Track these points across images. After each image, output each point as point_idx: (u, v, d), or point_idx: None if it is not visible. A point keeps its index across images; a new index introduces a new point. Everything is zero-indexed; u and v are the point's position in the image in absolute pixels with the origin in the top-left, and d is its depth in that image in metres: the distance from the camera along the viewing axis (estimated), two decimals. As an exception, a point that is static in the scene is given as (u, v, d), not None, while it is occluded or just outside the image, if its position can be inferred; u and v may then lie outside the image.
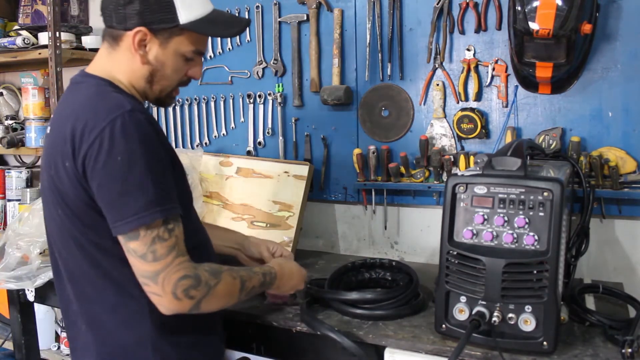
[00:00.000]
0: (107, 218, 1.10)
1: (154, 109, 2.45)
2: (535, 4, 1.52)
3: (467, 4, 1.82)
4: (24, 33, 2.52)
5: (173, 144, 2.42)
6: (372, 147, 1.96)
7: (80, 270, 1.19)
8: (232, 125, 2.29)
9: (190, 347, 1.24)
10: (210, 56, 2.31)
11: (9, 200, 2.76)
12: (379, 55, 1.98)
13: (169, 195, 1.10)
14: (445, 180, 1.88)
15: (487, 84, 1.83)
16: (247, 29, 2.17)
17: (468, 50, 1.85)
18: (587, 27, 1.52)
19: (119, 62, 1.21)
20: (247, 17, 2.20)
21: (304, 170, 2.06)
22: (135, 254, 1.08)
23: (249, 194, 2.13)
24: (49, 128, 1.25)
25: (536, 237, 1.17)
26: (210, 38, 2.27)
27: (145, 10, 1.16)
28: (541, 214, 1.17)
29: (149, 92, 1.26)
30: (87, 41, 2.54)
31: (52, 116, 1.27)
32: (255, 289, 1.27)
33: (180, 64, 1.24)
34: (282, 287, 1.38)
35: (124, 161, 1.06)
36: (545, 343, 1.16)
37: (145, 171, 1.07)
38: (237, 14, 2.22)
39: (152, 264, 1.07)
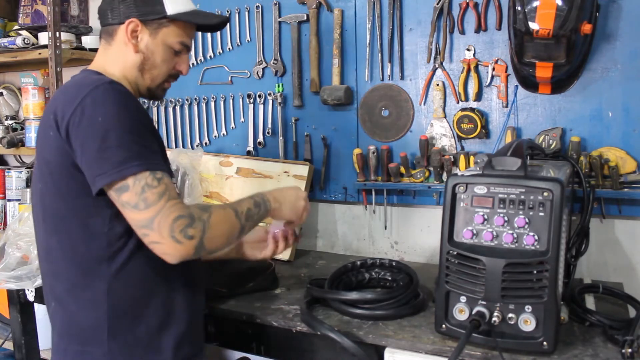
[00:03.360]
0: (87, 176, 1.13)
1: (154, 110, 2.45)
2: (535, 4, 1.52)
3: (467, 4, 1.82)
4: (24, 33, 2.53)
5: (173, 144, 2.42)
6: (372, 147, 1.96)
7: (50, 246, 1.23)
8: (232, 125, 2.29)
9: (151, 334, 1.22)
10: (210, 56, 2.31)
11: (9, 200, 2.76)
12: (379, 55, 1.98)
13: (152, 154, 1.14)
14: (445, 180, 1.88)
15: (487, 84, 1.83)
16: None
17: (468, 50, 1.85)
18: (587, 27, 1.52)
19: (113, 55, 1.32)
20: (246, 17, 2.21)
21: (304, 170, 2.06)
22: (129, 205, 1.10)
23: (249, 194, 2.13)
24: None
25: (536, 237, 1.17)
26: (211, 39, 2.29)
27: (136, 4, 1.30)
28: (541, 214, 1.17)
29: (141, 82, 1.34)
30: (87, 41, 2.54)
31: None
32: (252, 213, 1.27)
33: (169, 55, 1.35)
34: (282, 210, 1.38)
35: (104, 121, 1.11)
36: (545, 343, 1.16)
37: (126, 131, 1.11)
38: (237, 14, 2.23)
39: (145, 212, 1.09)
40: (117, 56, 1.32)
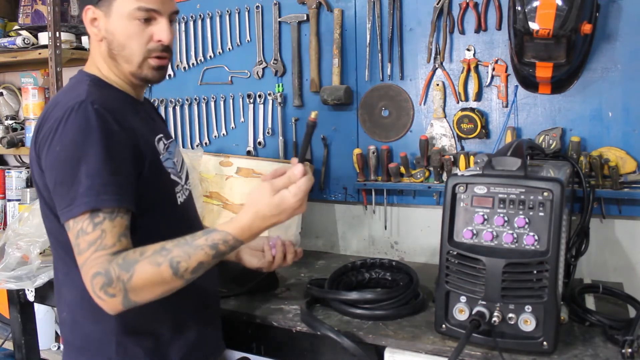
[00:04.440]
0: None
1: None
2: (535, 4, 1.52)
3: (467, 4, 1.82)
4: (24, 33, 2.53)
5: (173, 144, 2.42)
6: (372, 147, 1.96)
7: (59, 257, 1.21)
8: (232, 125, 2.29)
9: (159, 345, 1.21)
10: (210, 56, 2.31)
11: (9, 200, 2.76)
12: (379, 55, 1.98)
13: (102, 187, 1.05)
14: (445, 180, 1.88)
15: (487, 84, 1.83)
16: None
17: (468, 50, 1.85)
18: (587, 27, 1.52)
19: (92, 51, 1.26)
20: (246, 17, 2.21)
21: (304, 170, 2.06)
22: (72, 244, 1.08)
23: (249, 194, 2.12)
24: None
25: (536, 237, 1.17)
26: (211, 39, 2.29)
27: None
28: (541, 214, 1.17)
29: (121, 69, 1.23)
30: (87, 41, 2.53)
31: None
32: (205, 264, 1.08)
33: (134, 28, 1.19)
34: (261, 228, 1.11)
35: (61, 151, 1.07)
36: (545, 343, 1.16)
37: (80, 162, 1.06)
38: (237, 14, 2.23)
39: (78, 257, 1.06)
40: (94, 51, 1.25)
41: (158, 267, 1.04)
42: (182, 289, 1.11)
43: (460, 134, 1.85)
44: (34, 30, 2.55)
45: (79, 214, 1.05)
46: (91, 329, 1.19)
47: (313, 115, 1.19)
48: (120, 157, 1.10)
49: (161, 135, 1.27)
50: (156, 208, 1.19)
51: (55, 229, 1.17)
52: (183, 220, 1.30)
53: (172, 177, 1.27)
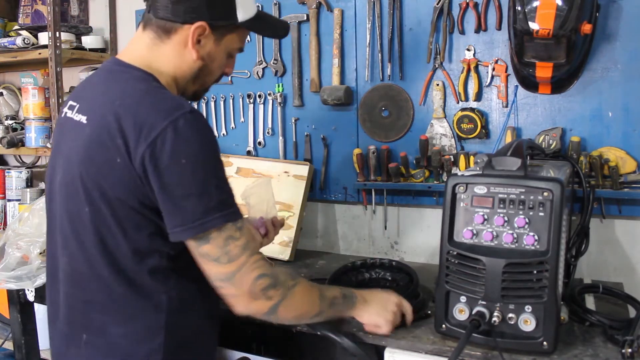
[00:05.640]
0: (166, 222, 1.06)
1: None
2: (535, 4, 1.52)
3: (467, 4, 1.82)
4: (24, 33, 2.52)
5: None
6: (372, 147, 1.96)
7: (96, 275, 1.11)
8: (232, 125, 2.29)
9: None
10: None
11: (9, 200, 2.76)
12: (379, 55, 1.98)
13: (231, 199, 1.09)
14: (445, 180, 1.87)
15: (487, 84, 1.83)
16: None
17: (468, 50, 1.85)
18: (587, 27, 1.52)
19: (166, 55, 1.18)
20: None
21: (304, 170, 2.06)
22: (209, 257, 1.06)
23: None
24: (80, 116, 1.15)
25: (536, 237, 1.17)
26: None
27: (208, 6, 1.16)
28: (541, 214, 1.17)
29: (190, 87, 1.25)
30: (87, 41, 2.54)
31: (78, 104, 1.18)
32: (336, 302, 1.22)
33: (224, 62, 1.27)
34: (368, 310, 1.27)
35: (187, 164, 1.03)
36: (545, 343, 1.16)
37: (209, 175, 1.05)
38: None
39: (227, 266, 1.05)
40: (172, 57, 1.18)
41: (311, 286, 1.18)
42: (210, 302, 1.19)
43: (460, 134, 1.85)
44: (34, 30, 2.55)
45: (223, 223, 1.05)
46: (132, 351, 1.13)
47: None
48: (224, 167, 1.13)
49: None
50: None
51: (117, 246, 1.09)
52: None
53: None
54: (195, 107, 1.33)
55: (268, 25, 1.35)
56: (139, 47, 1.20)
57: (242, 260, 1.06)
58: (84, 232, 1.12)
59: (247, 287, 1.06)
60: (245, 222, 1.10)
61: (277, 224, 1.54)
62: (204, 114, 2.34)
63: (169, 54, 1.18)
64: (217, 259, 1.06)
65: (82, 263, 1.13)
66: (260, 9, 1.33)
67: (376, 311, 1.27)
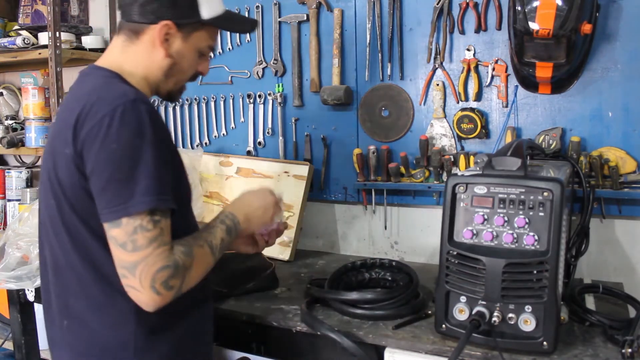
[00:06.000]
0: (97, 206, 1.09)
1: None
2: (535, 4, 1.52)
3: (467, 4, 1.82)
4: (24, 33, 2.52)
5: (173, 144, 2.42)
6: (372, 147, 1.96)
7: (69, 263, 1.17)
8: (232, 125, 2.29)
9: (176, 353, 1.21)
10: (210, 56, 2.30)
11: (9, 200, 2.76)
12: (379, 55, 1.98)
13: (159, 187, 1.08)
14: (445, 180, 1.88)
15: (487, 84, 1.83)
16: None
17: (468, 50, 1.85)
18: (587, 27, 1.52)
19: (136, 55, 1.24)
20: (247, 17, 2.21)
21: (304, 170, 2.06)
22: (116, 242, 1.07)
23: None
24: (54, 119, 1.26)
25: (536, 237, 1.17)
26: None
27: (171, 5, 1.21)
28: (541, 214, 1.17)
29: (163, 86, 1.29)
30: (87, 41, 2.54)
31: (58, 109, 1.29)
32: (225, 241, 1.24)
33: (196, 59, 1.31)
34: (250, 227, 1.35)
35: (118, 149, 1.06)
36: (545, 343, 1.16)
37: (138, 161, 1.06)
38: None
39: (131, 254, 1.05)
40: (141, 57, 1.23)
41: (202, 248, 1.17)
42: (192, 291, 1.17)
43: (460, 134, 1.85)
44: (34, 30, 2.54)
45: (136, 212, 1.05)
46: (108, 335, 1.16)
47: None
48: (167, 158, 1.13)
49: None
50: (180, 208, 1.18)
51: (80, 233, 1.14)
52: (192, 222, 1.31)
53: (189, 180, 1.30)
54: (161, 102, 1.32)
55: (235, 23, 1.39)
56: (113, 52, 1.27)
57: (147, 252, 1.05)
58: (56, 223, 1.18)
59: (148, 282, 1.05)
60: (165, 216, 1.09)
61: (281, 230, 1.53)
62: (204, 114, 2.34)
63: (139, 55, 1.24)
64: (122, 245, 1.06)
65: (58, 252, 1.19)
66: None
67: (259, 223, 1.38)
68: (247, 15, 2.20)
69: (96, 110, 1.08)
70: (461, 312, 1.23)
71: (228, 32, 2.25)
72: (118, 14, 1.28)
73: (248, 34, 2.21)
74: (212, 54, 2.25)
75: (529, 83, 1.75)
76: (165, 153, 1.13)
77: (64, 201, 1.14)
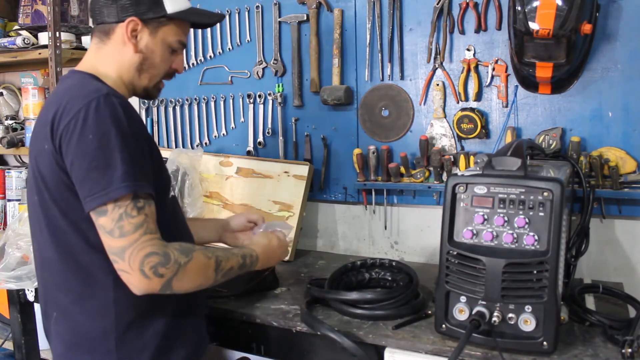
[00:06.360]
0: (79, 196, 1.12)
1: (154, 110, 2.45)
2: (535, 4, 1.52)
3: (467, 4, 1.82)
4: (24, 33, 2.53)
5: (173, 144, 2.42)
6: (372, 147, 1.96)
7: (52, 257, 1.21)
8: (232, 125, 2.29)
9: (159, 338, 1.23)
10: (210, 56, 2.31)
11: (9, 200, 2.76)
12: (379, 55, 1.98)
13: (138, 174, 1.12)
14: (445, 180, 1.88)
15: (487, 84, 1.83)
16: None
17: (468, 50, 1.85)
18: (587, 27, 1.52)
19: (108, 55, 1.29)
20: (246, 17, 2.21)
21: (304, 170, 2.06)
22: (104, 229, 1.10)
23: (249, 194, 2.13)
24: (36, 119, 1.30)
25: (536, 237, 1.17)
26: (211, 39, 2.29)
27: (135, 3, 1.27)
28: (541, 214, 1.17)
29: (137, 83, 1.33)
30: (87, 41, 2.53)
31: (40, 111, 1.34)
32: (233, 271, 1.27)
33: (167, 54, 1.34)
34: (265, 265, 1.42)
35: (94, 139, 1.09)
36: (545, 343, 1.16)
37: (115, 150, 1.10)
38: (237, 14, 2.23)
39: (118, 240, 1.08)
40: (113, 56, 1.29)
41: (207, 259, 1.20)
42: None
43: (460, 134, 1.85)
44: (34, 30, 2.55)
45: (120, 196, 1.08)
46: (91, 326, 1.20)
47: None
48: (143, 148, 1.17)
49: None
50: (158, 198, 1.20)
51: (60, 226, 1.18)
52: (173, 214, 1.33)
53: (168, 171, 1.34)
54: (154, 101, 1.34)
55: (200, 16, 1.42)
56: (89, 55, 1.33)
57: (134, 237, 1.08)
58: (40, 219, 1.22)
59: (136, 265, 1.08)
60: (149, 203, 1.12)
61: None
62: (204, 114, 2.34)
63: (110, 54, 1.29)
64: (110, 232, 1.09)
65: (44, 247, 1.24)
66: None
67: (273, 261, 1.48)
68: (247, 15, 2.21)
69: (71, 106, 1.13)
70: (461, 312, 1.23)
71: (228, 33, 2.26)
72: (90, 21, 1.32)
73: (248, 35, 2.21)
74: (207, 57, 2.28)
75: (529, 83, 1.75)
76: (142, 144, 1.17)
77: (46, 196, 1.18)
